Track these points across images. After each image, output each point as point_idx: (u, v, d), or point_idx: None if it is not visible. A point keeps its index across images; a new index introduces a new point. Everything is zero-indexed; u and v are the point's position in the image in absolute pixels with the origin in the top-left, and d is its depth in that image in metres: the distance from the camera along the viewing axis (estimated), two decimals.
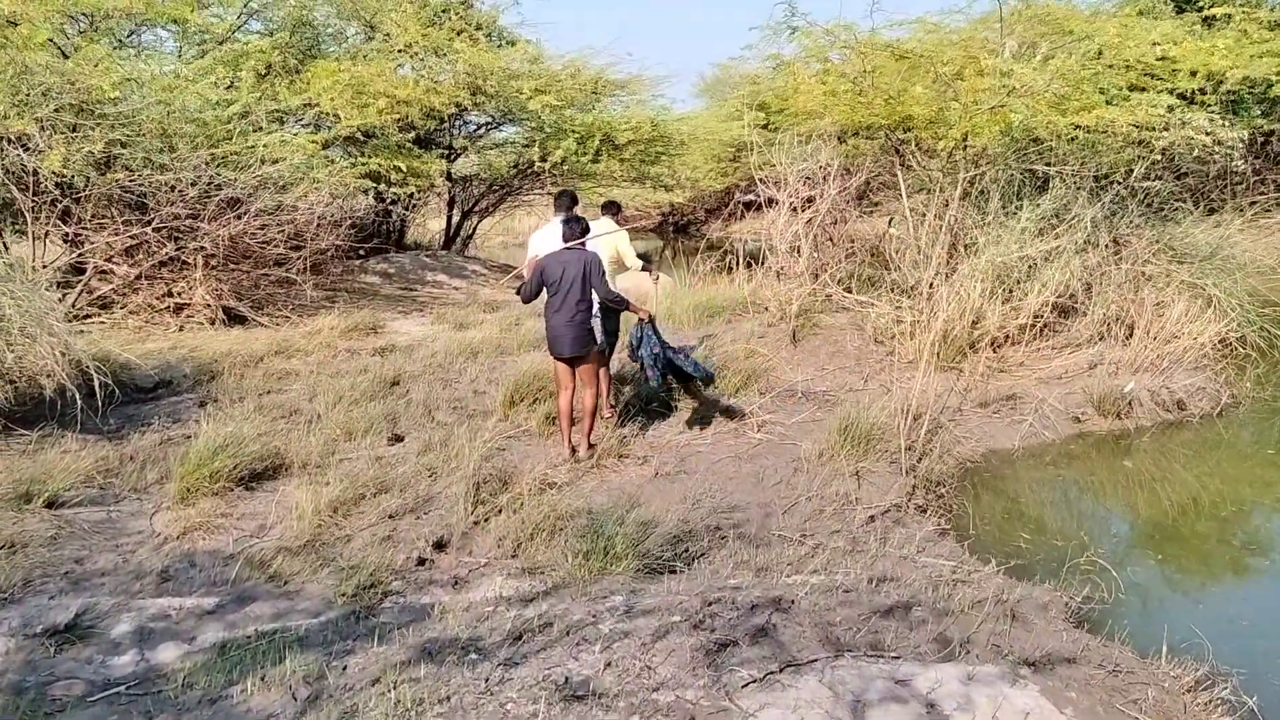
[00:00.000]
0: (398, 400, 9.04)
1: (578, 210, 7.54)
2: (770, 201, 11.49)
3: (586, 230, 7.21)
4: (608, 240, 8.79)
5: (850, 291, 11.24)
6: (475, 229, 22.09)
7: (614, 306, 7.17)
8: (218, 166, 12.06)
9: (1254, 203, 10.87)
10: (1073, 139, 9.93)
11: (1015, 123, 9.05)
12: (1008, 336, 9.24)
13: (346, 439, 7.74)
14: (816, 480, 6.65)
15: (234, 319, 12.81)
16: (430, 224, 24.11)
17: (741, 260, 15.20)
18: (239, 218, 12.32)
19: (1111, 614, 4.91)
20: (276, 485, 6.78)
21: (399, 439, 7.84)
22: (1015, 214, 9.78)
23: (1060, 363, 9.08)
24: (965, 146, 9.80)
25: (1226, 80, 9.70)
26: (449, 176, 20.05)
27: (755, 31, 11.09)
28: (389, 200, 19.63)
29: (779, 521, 6.05)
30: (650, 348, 7.32)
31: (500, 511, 6.03)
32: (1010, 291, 9.29)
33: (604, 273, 7.01)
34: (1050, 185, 10.08)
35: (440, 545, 5.62)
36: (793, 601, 4.27)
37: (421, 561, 5.35)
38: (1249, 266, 10.66)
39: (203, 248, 12.42)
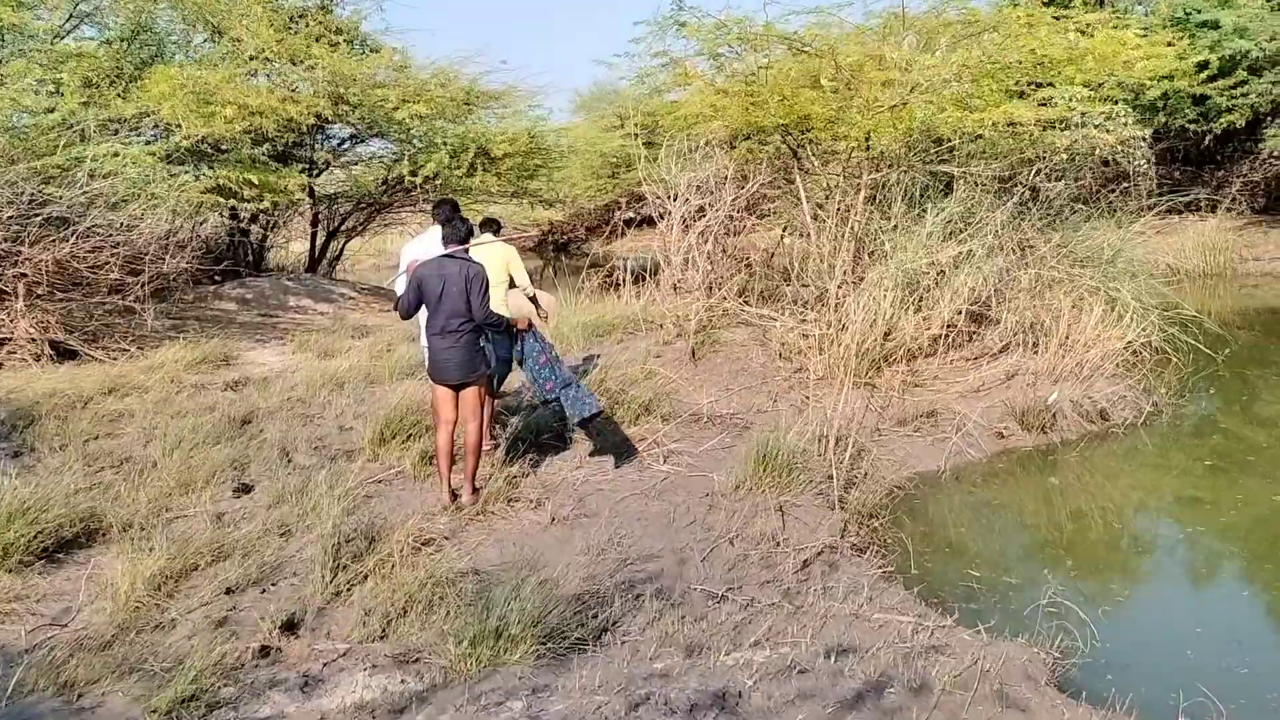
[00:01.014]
0: (249, 442, 7.86)
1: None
2: (660, 214, 10.74)
3: (471, 234, 6.32)
4: (499, 256, 7.91)
5: (749, 305, 10.54)
6: (343, 250, 20.69)
7: (490, 327, 6.22)
8: (40, 183, 10.60)
9: (1153, 206, 10.60)
10: (977, 138, 9.47)
11: (919, 120, 8.51)
12: (920, 348, 8.66)
13: (182, 492, 6.56)
14: (736, 518, 5.83)
15: (64, 354, 11.27)
16: (294, 246, 22.56)
17: (627, 277, 14.44)
18: (65, 240, 10.85)
19: (1098, 672, 4.22)
20: (91, 555, 5.58)
21: (246, 489, 6.70)
22: (920, 219, 9.25)
23: (977, 375, 8.54)
24: (867, 147, 9.22)
25: (1147, 90, 9.37)
26: (311, 193, 18.67)
27: (641, 27, 10.40)
28: (244, 219, 18.20)
29: (699, 570, 5.19)
30: (537, 358, 6.49)
31: (366, 577, 5.01)
32: (920, 300, 8.71)
33: (487, 287, 6.07)
34: (954, 188, 9.60)
35: (291, 626, 4.56)
36: (739, 695, 3.42)
37: (265, 652, 4.27)
38: (1149, 269, 10.41)
39: (24, 274, 10.89)
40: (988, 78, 8.75)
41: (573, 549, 5.48)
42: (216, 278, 17.66)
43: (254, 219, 18.69)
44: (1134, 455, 7.76)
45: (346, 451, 7.71)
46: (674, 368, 9.31)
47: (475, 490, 6.19)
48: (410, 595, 4.55)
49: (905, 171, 9.47)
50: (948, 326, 8.63)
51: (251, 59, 14.93)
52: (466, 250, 6.17)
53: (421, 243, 7.01)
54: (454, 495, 6.17)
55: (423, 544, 5.34)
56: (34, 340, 11.02)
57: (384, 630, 4.40)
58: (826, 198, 10.29)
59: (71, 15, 13.91)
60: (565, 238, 35.64)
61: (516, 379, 7.91)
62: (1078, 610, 4.73)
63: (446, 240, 6.11)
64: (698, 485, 6.51)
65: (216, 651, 4.18)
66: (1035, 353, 8.79)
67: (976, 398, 8.31)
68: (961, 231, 9.17)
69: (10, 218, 10.56)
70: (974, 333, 9.09)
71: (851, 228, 9.10)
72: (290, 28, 16.20)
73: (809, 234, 9.82)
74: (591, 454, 7.09)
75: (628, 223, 30.78)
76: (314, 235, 19.91)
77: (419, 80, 17.03)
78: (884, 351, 8.43)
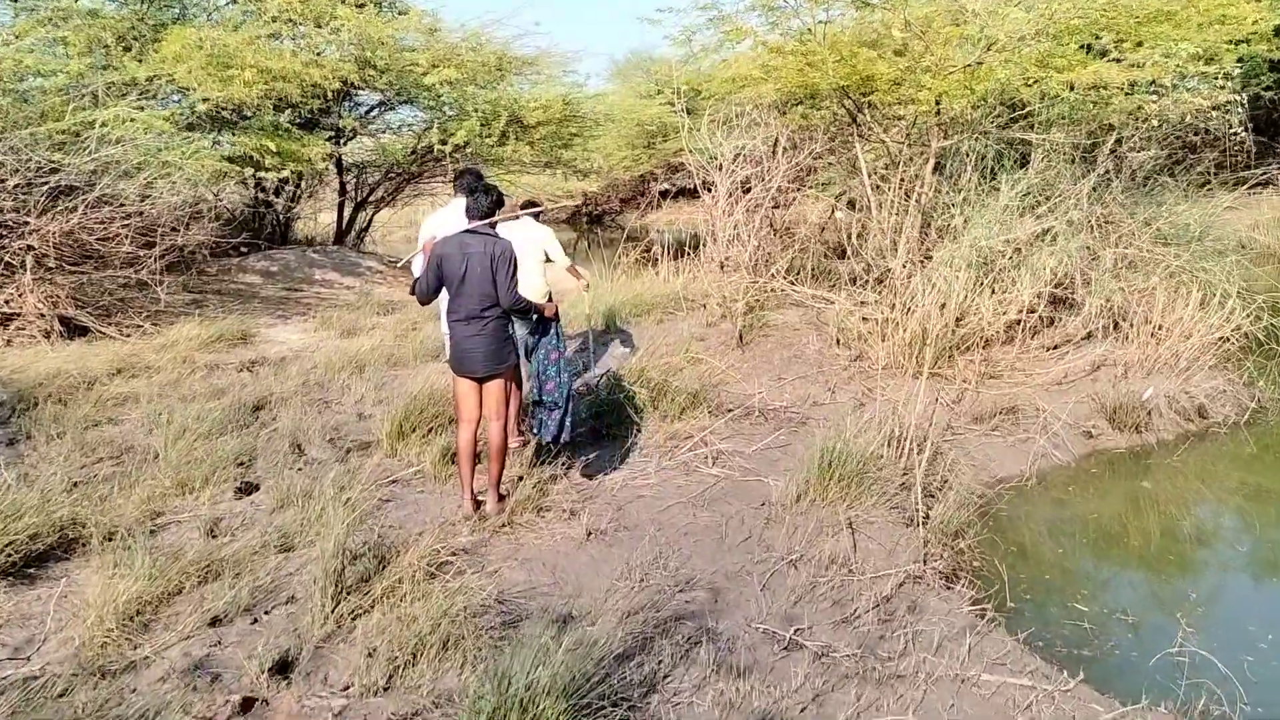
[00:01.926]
0: (258, 432, 7.20)
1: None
2: (704, 185, 9.92)
3: (498, 206, 5.45)
4: (535, 239, 7.24)
5: (799, 284, 9.70)
6: (371, 221, 20.01)
7: (517, 314, 5.46)
8: (48, 149, 9.96)
9: (1243, 179, 9.60)
10: (1055, 101, 8.54)
11: (999, 80, 7.61)
12: (995, 335, 7.80)
13: (179, 492, 5.90)
14: (798, 536, 5.06)
15: (75, 330, 10.68)
16: (322, 216, 21.90)
17: (666, 252, 13.65)
18: (73, 210, 10.22)
19: None
20: (68, 569, 4.93)
21: (250, 489, 6.03)
22: (994, 191, 8.35)
23: (1059, 366, 7.67)
24: (937, 112, 8.33)
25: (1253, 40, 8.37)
26: (339, 163, 17.98)
27: None
28: (270, 189, 17.55)
29: (759, 603, 4.44)
30: (549, 353, 5.73)
31: (374, 606, 4.31)
32: (995, 282, 7.85)
33: (515, 268, 5.25)
34: (1031, 157, 8.68)
35: (282, 668, 3.87)
36: None
37: (247, 706, 3.58)
38: (1241, 247, 9.44)
39: (31, 246, 10.29)
40: (1074, 34, 7.81)
41: (611, 571, 4.74)
42: (242, 249, 17.08)
43: (279, 189, 18.06)
44: (1240, 458, 6.89)
45: (363, 444, 7.03)
46: (720, 353, 8.53)
47: (501, 498, 5.45)
48: (421, 637, 3.83)
49: (976, 138, 8.56)
50: (1027, 311, 7.76)
51: (274, 20, 14.19)
52: (493, 225, 5.39)
53: (444, 216, 6.24)
54: (477, 503, 5.45)
55: (438, 567, 4.61)
56: (43, 316, 10.45)
57: (388, 679, 3.69)
58: (887, 167, 9.42)
59: None
60: (599, 209, 34.86)
61: None
62: (1216, 663, 3.93)
63: (470, 213, 5.33)
64: (752, 492, 5.75)
65: (192, 702, 3.50)
66: (1123, 341, 7.91)
67: (1060, 391, 7.46)
68: (1039, 205, 8.27)
69: (16, 186, 9.95)
70: (1053, 318, 8.21)
71: (918, 200, 8.24)
72: None
73: (868, 206, 8.96)
74: (631, 452, 6.35)
75: (664, 194, 29.94)
76: (341, 206, 19.26)
77: (449, 44, 16.23)
78: (956, 339, 7.59)
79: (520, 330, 6.12)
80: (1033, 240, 7.98)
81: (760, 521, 5.31)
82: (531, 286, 9.38)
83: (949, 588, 4.62)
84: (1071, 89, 8.20)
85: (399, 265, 14.90)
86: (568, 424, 5.64)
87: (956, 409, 7.02)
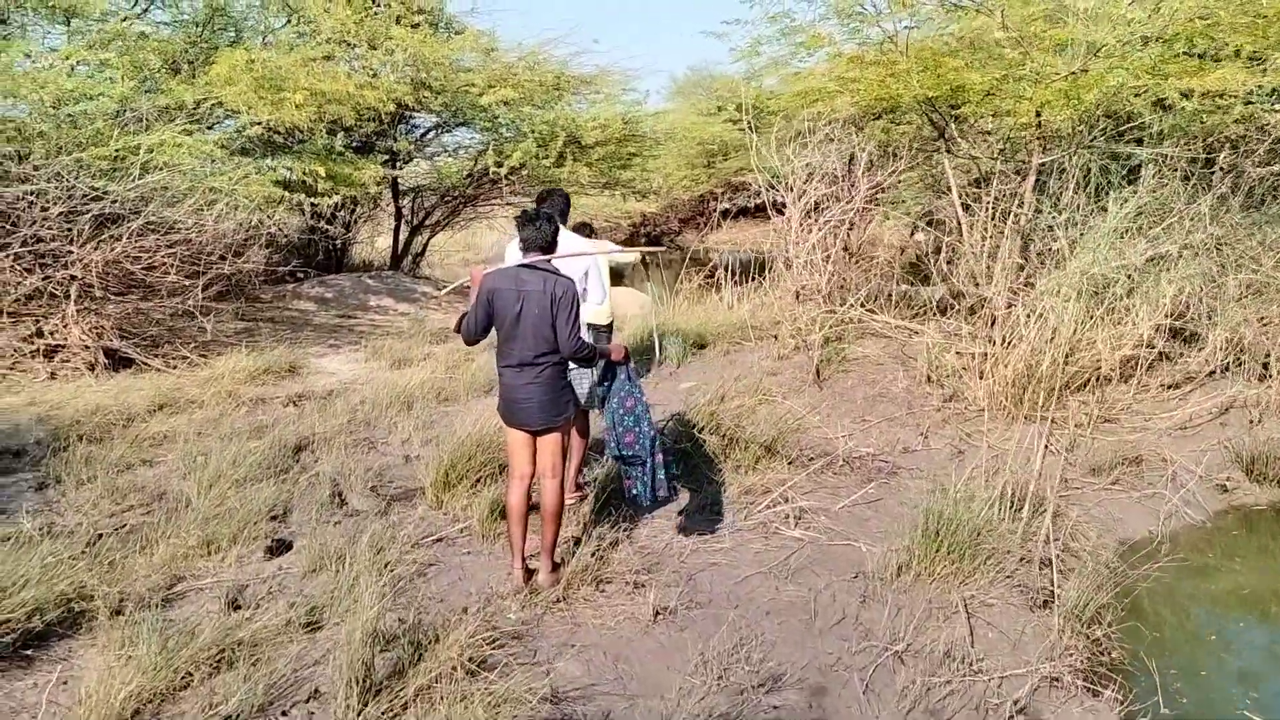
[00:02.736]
0: (298, 477, 6.65)
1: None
2: (774, 206, 9.22)
3: (555, 240, 4.73)
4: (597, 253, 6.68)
5: (876, 312, 8.93)
6: (427, 245, 19.63)
7: (579, 362, 4.75)
8: (93, 176, 9.60)
9: None
10: (1164, 109, 7.68)
11: (1112, 88, 6.81)
12: (1109, 373, 6.97)
13: (204, 552, 5.34)
14: (902, 619, 4.31)
15: (120, 362, 10.30)
16: (379, 241, 21.60)
17: (729, 275, 12.96)
18: (117, 239, 9.85)
19: None
20: (71, 647, 4.37)
21: (282, 549, 5.44)
22: (1100, 211, 7.52)
23: (1184, 409, 6.81)
24: (1038, 124, 7.54)
25: None
26: (394, 187, 17.61)
27: None
28: (324, 214, 17.23)
29: (862, 709, 3.71)
30: (624, 400, 4.87)
31: (406, 708, 3.67)
32: (1109, 312, 7.02)
33: (577, 310, 4.56)
34: (1141, 173, 7.84)
35: None
36: None
37: None
38: None
39: (74, 276, 9.94)
40: (1194, 36, 6.98)
41: (683, 662, 4.04)
42: (299, 274, 16.76)
43: (333, 214, 17.74)
44: None
45: (407, 492, 6.45)
46: (795, 391, 7.80)
47: (555, 567, 4.77)
48: None
49: (1078, 153, 7.75)
50: (1146, 346, 6.92)
51: (328, 42, 13.85)
52: (549, 261, 4.67)
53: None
54: (528, 572, 4.78)
55: (480, 663, 3.94)
56: (87, 348, 10.09)
57: None
58: (976, 184, 8.63)
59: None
60: (658, 230, 34.34)
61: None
62: None
63: (527, 245, 4.65)
64: (842, 560, 5.01)
65: None
66: (1254, 379, 7.02)
67: (1184, 437, 6.60)
68: (1153, 226, 7.42)
69: (60, 214, 9.61)
70: (1172, 353, 7.35)
71: (1016, 221, 7.45)
72: (372, 9, 15.11)
73: (957, 228, 8.18)
74: (702, 510, 5.65)
75: (724, 214, 29.28)
76: (397, 230, 18.91)
77: (505, 64, 15.78)
78: (1065, 377, 6.77)
79: (582, 382, 5.49)
80: (1146, 266, 7.14)
81: (855, 598, 4.57)
82: (594, 302, 8.77)
83: (1093, 692, 3.84)
84: (1187, 97, 7.36)
85: (444, 292, 14.34)
86: (661, 479, 4.80)
87: (1070, 458, 6.20)
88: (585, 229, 9.53)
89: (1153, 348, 7.01)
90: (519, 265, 4.63)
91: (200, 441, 7.51)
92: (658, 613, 4.43)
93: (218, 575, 5.06)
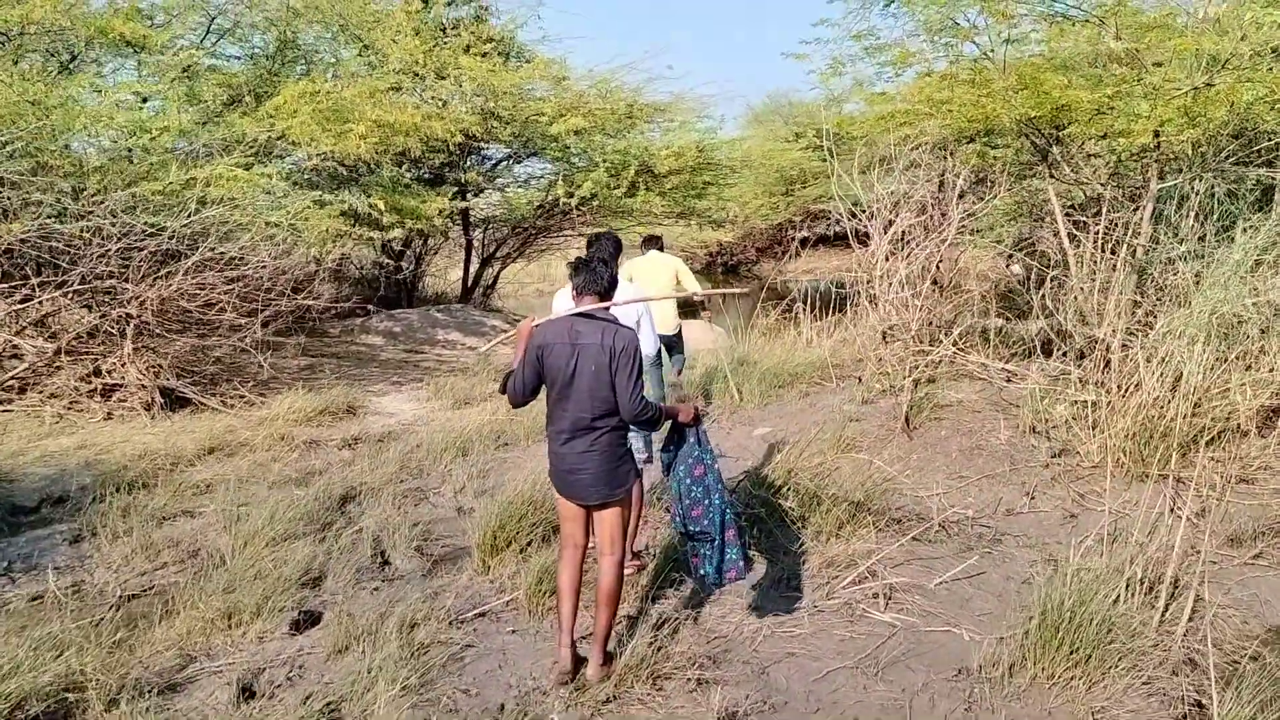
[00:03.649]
0: (340, 532, 6.18)
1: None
2: (857, 235, 8.54)
3: (614, 285, 4.21)
4: (667, 266, 6.51)
5: (969, 351, 8.14)
6: (498, 277, 19.32)
7: (641, 425, 4.10)
8: (145, 212, 9.39)
9: None
10: None
11: (1247, 104, 6.01)
12: (1244, 425, 6.10)
13: (224, 625, 4.86)
14: None
15: (177, 401, 10.05)
16: (452, 274, 21.38)
17: (808, 308, 12.26)
18: (172, 275, 9.61)
19: None
20: None
21: (310, 622, 4.94)
22: (1227, 241, 6.67)
23: None
24: (1157, 145, 6.74)
25: None
26: (465, 218, 17.34)
27: (836, 5, 8.18)
28: (396, 247, 17.02)
29: None
30: (691, 467, 4.19)
31: None
32: (1243, 355, 6.16)
33: (640, 367, 3.97)
34: (1275, 198, 6.96)
35: None
36: None
37: None
38: None
39: (129, 315, 9.72)
40: None
41: None
42: (370, 307, 16.57)
43: (403, 248, 17.53)
44: None
45: (455, 552, 5.95)
46: (881, 440, 7.07)
47: (608, 659, 4.13)
48: None
49: (1200, 177, 6.92)
50: None
51: (397, 73, 13.61)
52: (608, 309, 4.14)
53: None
54: (577, 659, 4.17)
55: None
56: (144, 387, 9.85)
57: None
58: (1081, 211, 7.83)
59: (208, 31, 12.88)
60: (735, 259, 33.78)
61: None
62: None
63: (580, 290, 4.13)
64: (941, 651, 4.29)
65: None
66: None
67: None
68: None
69: (118, 250, 9.40)
70: None
71: (1132, 253, 6.65)
72: (442, 39, 14.88)
73: (1063, 260, 7.39)
74: (777, 586, 4.97)
75: (803, 242, 28.53)
76: (467, 262, 18.66)
77: (576, 92, 15.40)
78: (1193, 429, 5.94)
79: (641, 445, 4.90)
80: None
81: (958, 704, 3.84)
82: (665, 315, 8.25)
83: None
84: None
85: (483, 351, 13.68)
86: (732, 558, 4.15)
87: (1201, 525, 5.37)
88: (654, 242, 9.02)
89: None
90: (572, 314, 4.10)
91: (244, 489, 7.14)
92: (724, 719, 3.77)
93: (235, 654, 4.57)
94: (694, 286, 8.77)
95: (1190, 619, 4.29)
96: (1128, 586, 4.28)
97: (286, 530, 6.07)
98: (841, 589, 4.82)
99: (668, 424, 4.28)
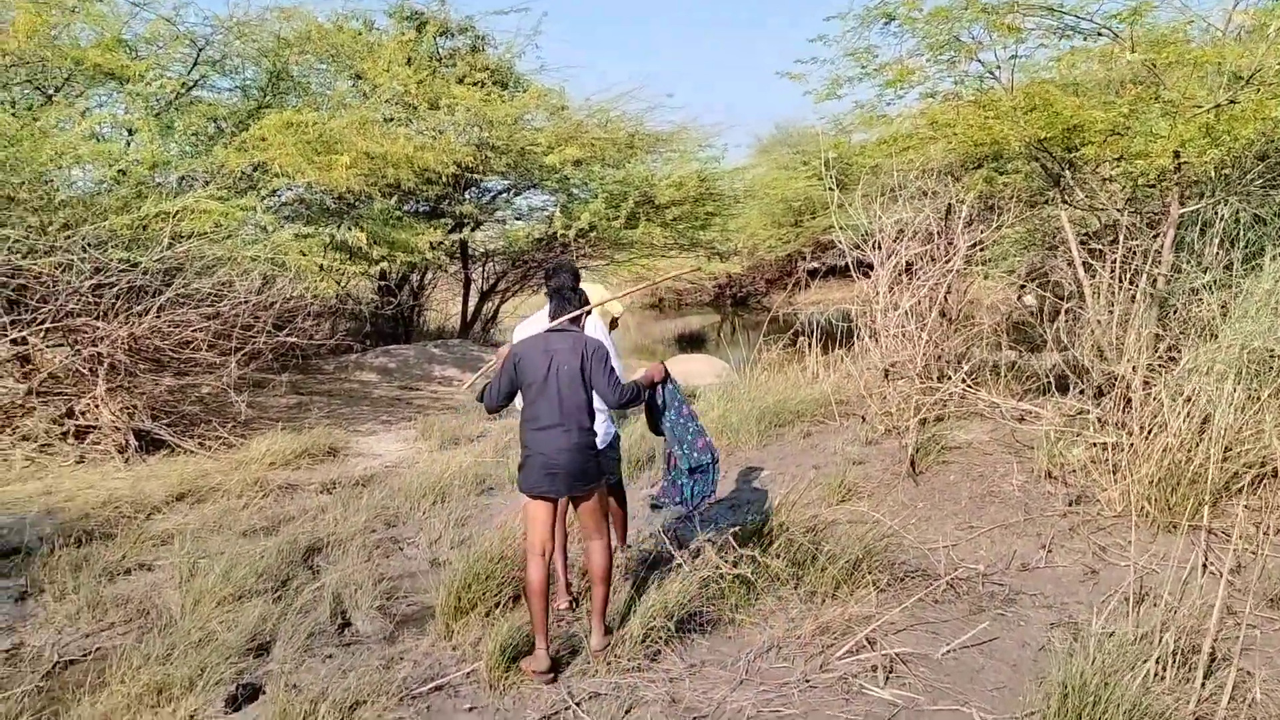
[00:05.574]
0: (301, 588, 5.71)
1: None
2: (860, 266, 8.10)
3: (585, 303, 4.81)
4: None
5: (977, 388, 7.63)
6: (497, 311, 18.92)
7: (630, 405, 4.65)
8: (117, 246, 9.02)
9: None
10: None
11: (1276, 121, 5.55)
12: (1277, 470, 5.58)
13: (152, 702, 4.38)
14: None
15: (152, 444, 9.61)
16: (452, 307, 21.00)
17: (814, 341, 11.80)
18: (144, 313, 9.21)
19: None
20: None
21: (247, 697, 4.45)
22: (1254, 271, 6.19)
23: None
24: (1178, 168, 6.27)
25: None
26: (464, 251, 16.97)
27: (833, 23, 7.90)
28: (392, 281, 16.66)
29: None
30: (679, 409, 4.93)
31: None
32: (1277, 394, 5.65)
33: (612, 365, 4.60)
34: None
35: None
36: None
37: None
38: None
39: (100, 354, 9.31)
40: None
41: None
42: (354, 344, 16.18)
43: (401, 282, 17.18)
44: None
45: (421, 611, 5.48)
46: (885, 486, 6.57)
47: (607, 630, 4.54)
48: None
49: (1225, 201, 6.45)
50: None
51: (387, 103, 13.28)
52: (580, 324, 4.71)
53: (534, 324, 5.24)
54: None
55: None
56: (118, 429, 9.43)
57: None
58: (1096, 238, 7.37)
59: (197, 62, 12.59)
60: (743, 291, 33.37)
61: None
62: None
63: (555, 315, 4.68)
64: None
65: None
66: None
67: None
68: None
69: (83, 288, 9.00)
70: None
71: (1146, 284, 6.17)
72: (437, 69, 14.60)
73: (1078, 291, 6.91)
74: (766, 654, 4.46)
75: (812, 273, 28.11)
76: (465, 296, 18.28)
77: (574, 121, 15.06)
78: (1225, 475, 5.42)
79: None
80: None
81: None
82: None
83: None
84: None
85: (466, 387, 13.25)
86: (716, 478, 4.97)
87: (1238, 583, 4.85)
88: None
89: None
90: (547, 330, 4.60)
91: (206, 540, 6.69)
92: None
93: None
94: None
95: (1231, 697, 3.76)
96: (1158, 660, 3.76)
97: (241, 587, 5.62)
98: (837, 660, 4.31)
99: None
